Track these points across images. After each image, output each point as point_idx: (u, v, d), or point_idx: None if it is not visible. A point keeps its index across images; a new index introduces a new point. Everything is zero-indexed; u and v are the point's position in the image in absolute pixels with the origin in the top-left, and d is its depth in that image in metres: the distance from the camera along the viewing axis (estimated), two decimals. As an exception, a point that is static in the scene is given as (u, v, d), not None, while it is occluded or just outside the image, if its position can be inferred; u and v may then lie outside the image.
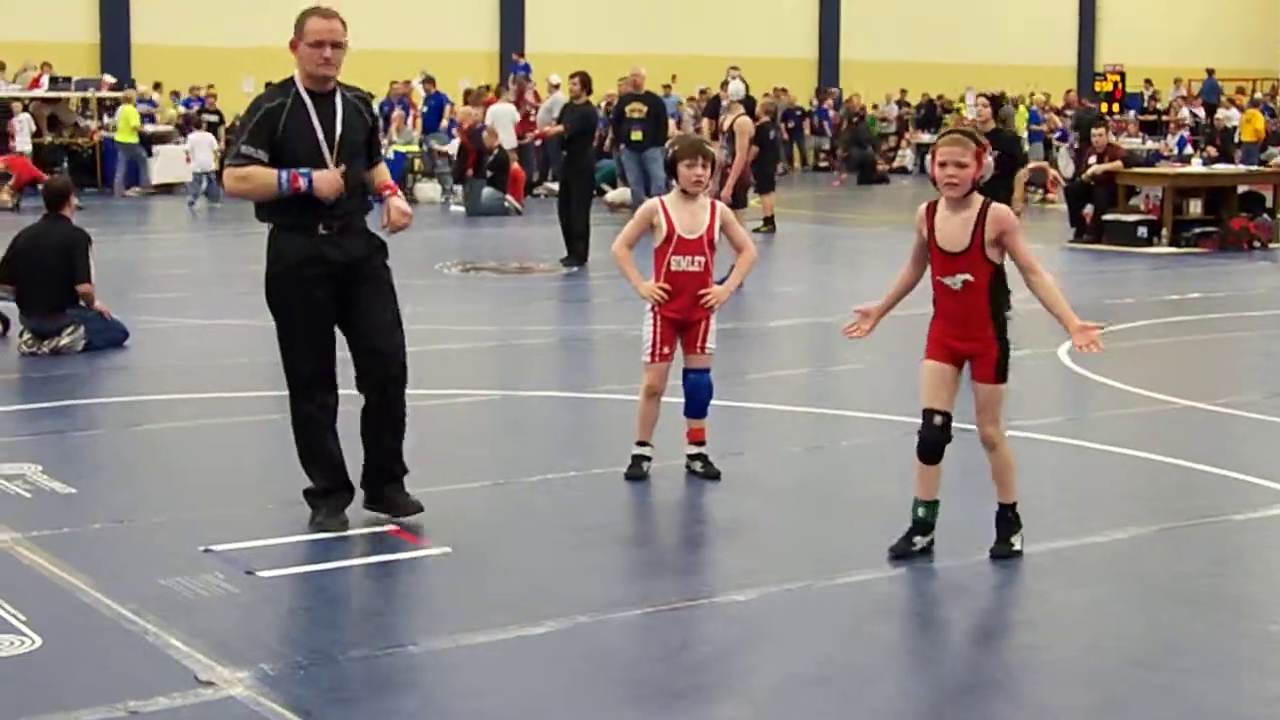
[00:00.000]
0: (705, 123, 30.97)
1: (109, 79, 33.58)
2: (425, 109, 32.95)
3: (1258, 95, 42.89)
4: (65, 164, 30.39)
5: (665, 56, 38.06)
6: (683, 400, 8.59)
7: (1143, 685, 5.65)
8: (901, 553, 6.99)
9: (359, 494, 7.65)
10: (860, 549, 7.14)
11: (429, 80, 33.54)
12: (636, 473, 8.47)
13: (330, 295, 7.44)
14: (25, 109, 30.68)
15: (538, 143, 28.16)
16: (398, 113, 32.34)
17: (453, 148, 29.34)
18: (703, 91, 36.97)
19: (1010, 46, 46.59)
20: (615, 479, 8.43)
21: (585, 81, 20.13)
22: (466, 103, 30.77)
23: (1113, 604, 6.57)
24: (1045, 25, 48.55)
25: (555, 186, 30.06)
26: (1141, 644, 6.11)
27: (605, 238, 18.62)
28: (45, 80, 32.76)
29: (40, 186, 19.94)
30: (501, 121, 29.74)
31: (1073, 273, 19.59)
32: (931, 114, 42.39)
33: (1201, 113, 40.41)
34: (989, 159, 6.87)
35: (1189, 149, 32.24)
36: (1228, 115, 36.71)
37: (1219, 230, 22.30)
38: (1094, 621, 6.34)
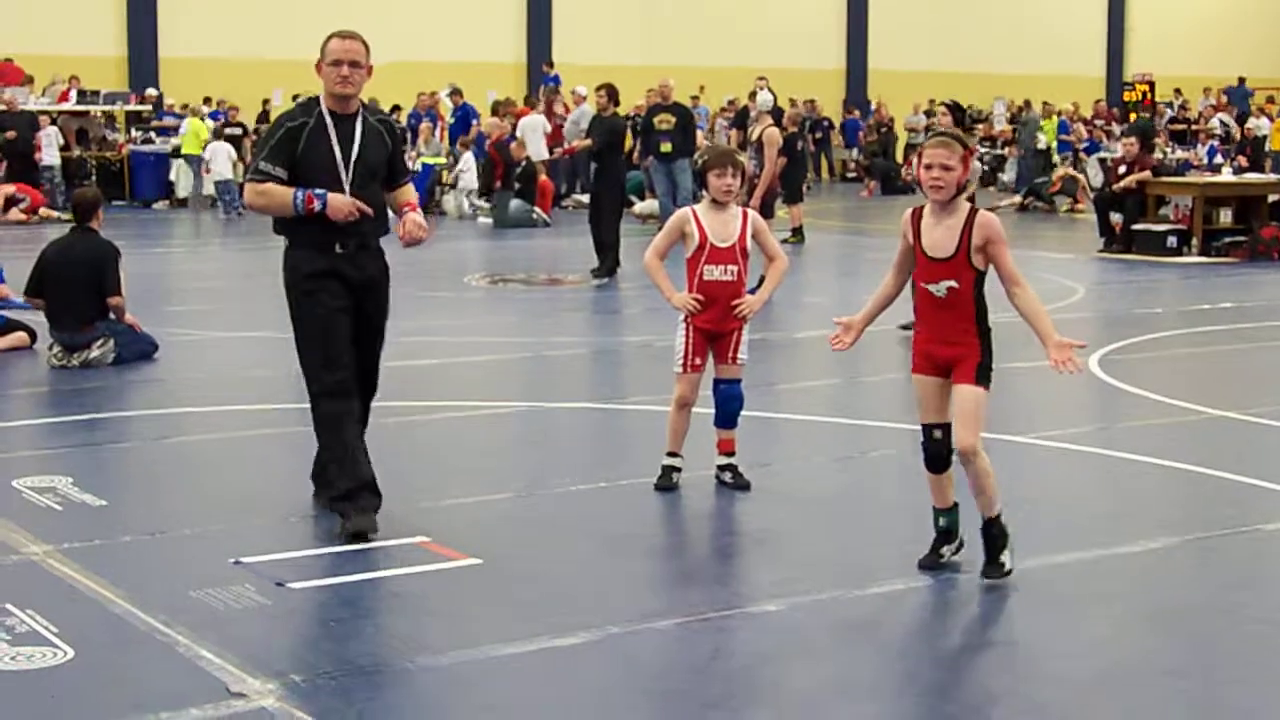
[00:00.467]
0: (733, 133, 30.98)
1: (152, 93, 33.84)
2: (452, 121, 33.00)
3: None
4: (94, 177, 30.51)
5: (693, 68, 38.03)
6: (712, 411, 8.57)
7: (1176, 695, 5.62)
8: (930, 565, 6.97)
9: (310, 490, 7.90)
10: (890, 559, 7.12)
11: (456, 92, 33.58)
12: (666, 483, 8.45)
13: (343, 308, 7.60)
14: (53, 122, 30.81)
15: (565, 157, 28.24)
16: (425, 124, 32.39)
17: (468, 164, 29.33)
18: (731, 102, 36.97)
19: (1038, 56, 46.45)
20: (645, 489, 8.42)
21: (612, 93, 20.12)
22: (494, 114, 30.82)
23: (1144, 614, 6.54)
24: (1074, 35, 48.39)
25: (583, 199, 30.18)
26: (1174, 654, 6.08)
27: (634, 250, 18.64)
28: (74, 94, 32.92)
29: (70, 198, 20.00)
30: (534, 133, 29.78)
31: (1102, 282, 19.54)
32: (960, 123, 42.23)
33: (1232, 122, 40.27)
34: (976, 163, 6.82)
35: (1219, 158, 32.14)
36: (1258, 124, 36.58)
37: (1249, 240, 22.22)
38: (1125, 631, 6.31)
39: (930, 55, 45.00)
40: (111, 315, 12.57)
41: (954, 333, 6.75)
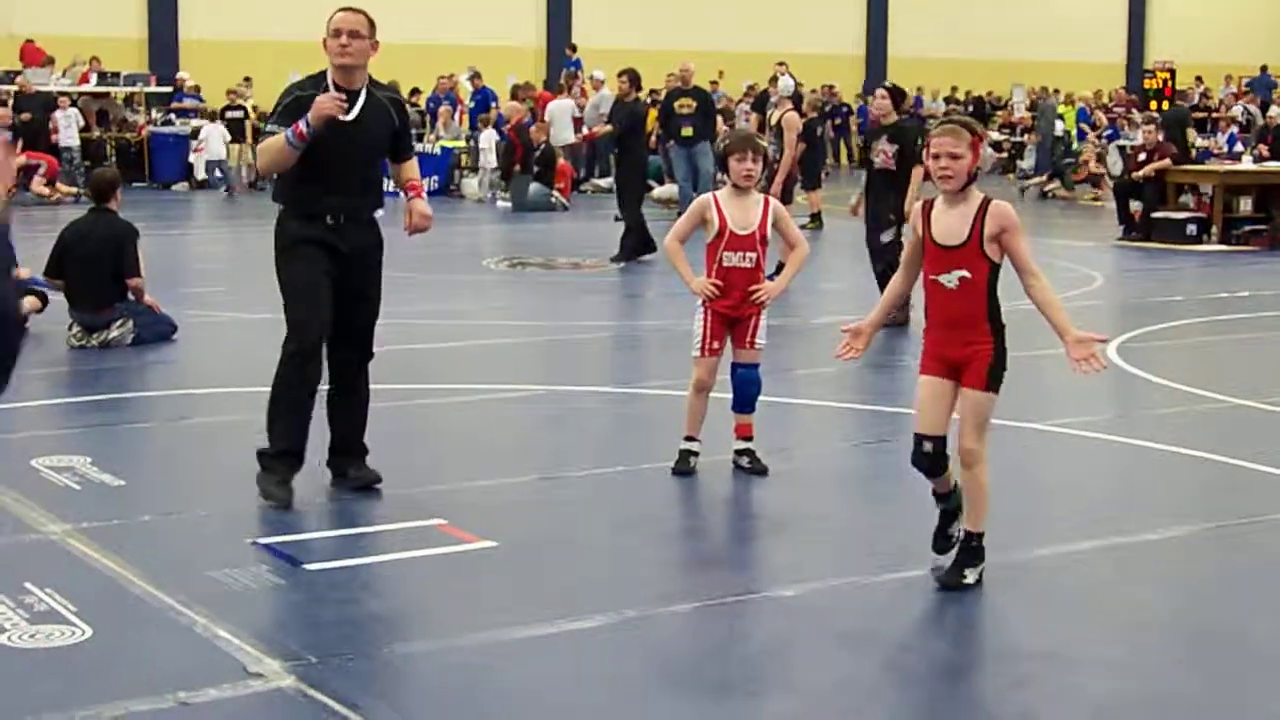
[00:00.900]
0: (753, 118, 30.94)
1: (181, 77, 33.92)
2: (472, 104, 32.98)
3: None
4: (113, 158, 30.56)
5: (712, 52, 37.95)
6: (730, 395, 8.57)
7: (1196, 682, 5.62)
8: (942, 549, 6.82)
9: (327, 474, 7.97)
10: (908, 544, 7.09)
11: (475, 75, 33.56)
12: (684, 467, 8.44)
13: (326, 272, 7.78)
14: (74, 104, 30.84)
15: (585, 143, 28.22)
16: (444, 108, 32.38)
17: (489, 141, 29.37)
18: (751, 87, 36.92)
19: (1059, 43, 46.32)
20: (663, 474, 8.41)
21: (634, 79, 20.10)
22: (513, 98, 30.79)
23: (1164, 601, 6.54)
24: (1094, 21, 48.26)
25: (602, 183, 30.17)
26: (1195, 642, 6.08)
27: (654, 235, 18.61)
28: (94, 76, 32.95)
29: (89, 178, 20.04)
30: (561, 117, 29.76)
31: (1122, 270, 19.50)
32: (980, 111, 42.21)
33: (1256, 109, 40.12)
34: (987, 149, 6.66)
35: (1239, 146, 32.03)
36: (1279, 112, 36.45)
37: (1269, 228, 22.15)
38: (1145, 618, 6.30)
39: (949, 42, 44.89)
40: (131, 296, 12.58)
41: (966, 330, 6.46)
